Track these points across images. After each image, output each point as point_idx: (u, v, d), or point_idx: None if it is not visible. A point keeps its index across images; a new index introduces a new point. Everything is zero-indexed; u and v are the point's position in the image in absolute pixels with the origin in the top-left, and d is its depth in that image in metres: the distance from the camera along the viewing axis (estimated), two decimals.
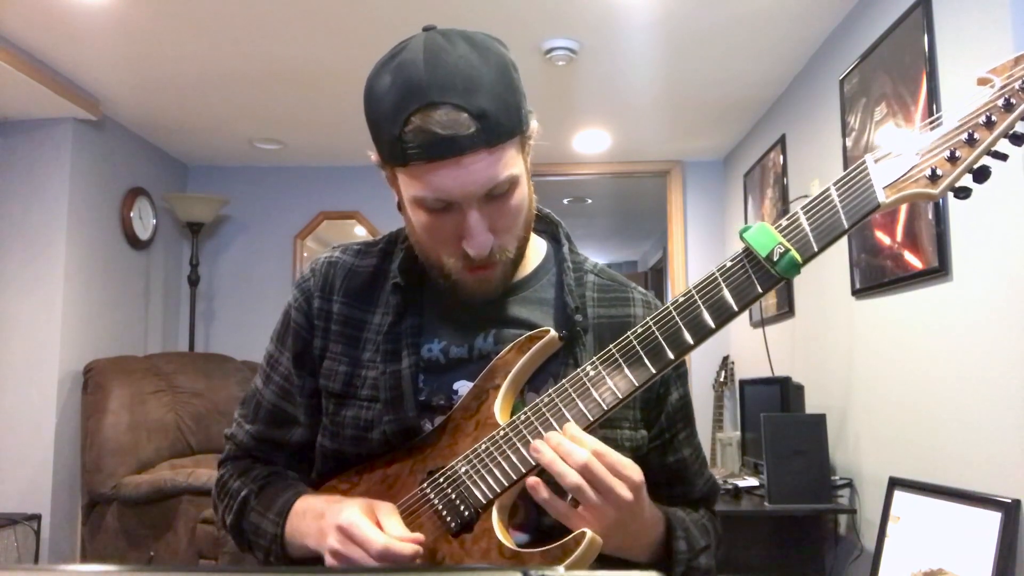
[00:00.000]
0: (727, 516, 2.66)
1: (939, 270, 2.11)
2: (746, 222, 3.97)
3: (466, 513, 0.90)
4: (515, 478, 0.88)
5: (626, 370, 0.87)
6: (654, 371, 0.87)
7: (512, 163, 0.91)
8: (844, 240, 2.65)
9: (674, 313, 0.87)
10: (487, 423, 0.93)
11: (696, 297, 0.87)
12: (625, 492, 0.84)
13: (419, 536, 0.88)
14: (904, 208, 2.31)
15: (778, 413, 2.85)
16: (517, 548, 0.87)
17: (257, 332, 1.16)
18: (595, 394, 0.88)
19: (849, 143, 2.71)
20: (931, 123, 0.83)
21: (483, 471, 0.90)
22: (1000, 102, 0.80)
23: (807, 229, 0.84)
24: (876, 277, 2.49)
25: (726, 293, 0.86)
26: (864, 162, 0.84)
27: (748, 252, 0.86)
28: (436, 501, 0.92)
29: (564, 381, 0.90)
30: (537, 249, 1.07)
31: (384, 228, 4.43)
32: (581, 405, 0.88)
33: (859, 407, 2.68)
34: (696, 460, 1.08)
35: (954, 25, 2.07)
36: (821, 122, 3.00)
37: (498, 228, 0.93)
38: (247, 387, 1.14)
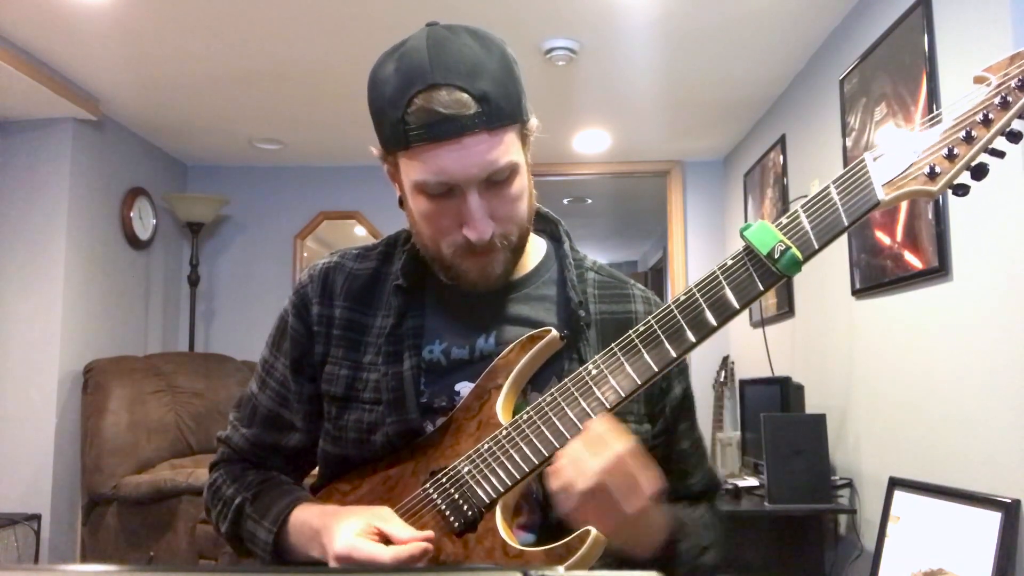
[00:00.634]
0: (727, 516, 2.66)
1: (939, 270, 2.11)
2: (746, 222, 3.97)
3: (469, 513, 0.90)
4: (518, 477, 0.88)
5: (628, 368, 0.88)
6: (656, 369, 0.87)
7: (512, 149, 0.91)
8: (844, 240, 2.68)
9: (676, 311, 0.87)
10: (489, 423, 0.93)
11: (698, 295, 0.87)
12: (636, 503, 0.82)
13: (429, 534, 0.88)
14: (904, 208, 2.32)
15: (778, 413, 2.85)
16: (521, 547, 0.87)
17: (257, 332, 1.16)
18: (598, 392, 0.88)
19: (849, 143, 2.71)
20: (929, 121, 0.84)
21: (486, 471, 0.90)
22: (997, 100, 0.81)
23: (807, 227, 0.84)
24: (876, 277, 2.50)
25: (727, 291, 0.86)
26: (863, 160, 0.84)
27: (749, 250, 0.86)
28: (439, 501, 0.92)
29: (567, 380, 0.90)
30: (537, 248, 1.07)
31: (384, 228, 4.44)
32: (584, 404, 0.88)
33: (859, 407, 2.68)
34: (695, 453, 1.08)
35: (954, 25, 2.07)
36: (821, 122, 3.00)
37: (498, 215, 0.93)
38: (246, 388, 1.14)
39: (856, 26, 2.69)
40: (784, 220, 0.86)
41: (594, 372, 0.89)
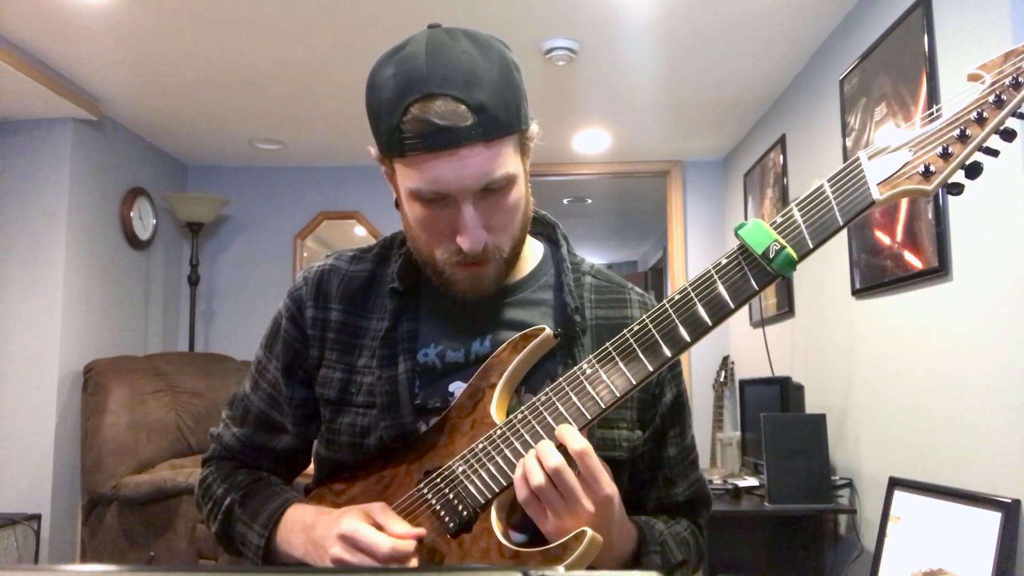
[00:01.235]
0: (727, 516, 2.66)
1: (939, 270, 2.11)
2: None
3: (464, 513, 0.90)
4: (513, 476, 0.88)
5: (623, 368, 0.87)
6: (651, 369, 0.87)
7: (509, 161, 0.90)
8: (844, 240, 2.68)
9: (670, 311, 0.87)
10: (483, 422, 0.93)
11: (692, 294, 0.87)
12: (588, 504, 0.83)
13: (421, 531, 0.88)
14: (904, 208, 2.31)
15: (778, 413, 2.84)
16: (516, 547, 0.87)
17: (257, 332, 1.16)
18: (592, 392, 0.88)
19: (849, 143, 2.70)
20: (925, 119, 0.84)
21: (481, 470, 0.90)
22: (991, 98, 0.80)
23: (802, 226, 0.84)
24: (876, 277, 2.49)
25: (722, 290, 0.86)
26: (858, 159, 0.84)
27: (744, 249, 0.86)
28: (434, 501, 0.92)
29: (561, 379, 0.89)
30: (534, 251, 1.07)
31: (384, 228, 4.45)
32: (578, 403, 0.88)
33: (859, 407, 2.67)
34: (683, 461, 1.06)
35: (954, 25, 2.06)
36: (821, 122, 3.00)
37: (493, 226, 0.92)
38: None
39: (856, 26, 2.69)
40: (779, 219, 0.85)
41: (588, 371, 0.88)
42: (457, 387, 0.98)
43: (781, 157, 3.45)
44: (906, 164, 0.82)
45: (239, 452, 1.10)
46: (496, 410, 0.93)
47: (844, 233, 1.01)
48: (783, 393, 2.95)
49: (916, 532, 2.08)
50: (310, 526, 0.94)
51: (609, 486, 0.85)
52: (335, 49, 3.03)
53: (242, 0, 2.66)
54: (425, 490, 0.93)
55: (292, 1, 2.67)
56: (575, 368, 0.89)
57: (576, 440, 0.84)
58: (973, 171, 0.82)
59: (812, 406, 2.98)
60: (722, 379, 4.18)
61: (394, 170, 0.94)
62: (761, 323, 3.61)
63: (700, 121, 3.94)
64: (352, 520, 0.88)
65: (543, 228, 1.10)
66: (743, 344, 4.11)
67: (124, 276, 3.94)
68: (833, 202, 0.83)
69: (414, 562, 0.86)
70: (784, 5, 2.70)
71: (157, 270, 4.29)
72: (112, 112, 3.73)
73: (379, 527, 0.88)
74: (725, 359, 4.28)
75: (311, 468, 1.12)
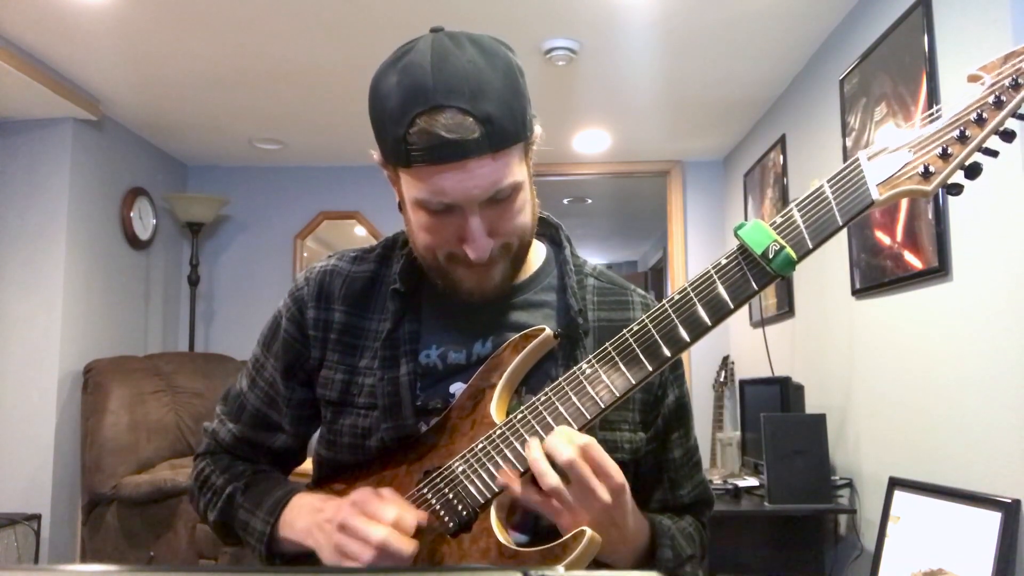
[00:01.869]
0: (727, 516, 2.66)
1: (939, 270, 2.11)
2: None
3: (464, 513, 0.90)
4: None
5: (623, 368, 0.87)
6: (651, 368, 0.87)
7: (516, 169, 0.90)
8: (844, 240, 2.68)
9: (670, 311, 0.87)
10: (483, 422, 0.93)
11: (692, 294, 0.87)
12: (604, 495, 0.83)
13: (422, 513, 0.90)
14: (904, 208, 2.31)
15: (778, 413, 2.84)
16: (516, 547, 0.87)
17: (257, 332, 1.17)
18: (592, 392, 0.88)
19: (849, 143, 2.70)
20: (924, 119, 0.84)
21: (480, 470, 0.90)
22: (991, 99, 0.80)
23: (802, 226, 0.84)
24: (876, 277, 2.49)
25: (721, 290, 0.86)
26: (857, 159, 0.84)
27: (743, 249, 0.86)
28: (433, 501, 0.92)
29: (561, 379, 0.89)
30: (537, 253, 1.06)
31: (384, 228, 4.45)
32: (578, 403, 0.88)
33: (859, 407, 2.67)
34: (686, 464, 1.06)
35: (954, 25, 2.06)
36: (821, 122, 3.00)
37: (499, 230, 0.92)
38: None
39: (856, 26, 2.69)
40: (778, 219, 0.85)
41: (588, 371, 0.88)
42: (458, 388, 0.98)
43: (781, 157, 3.45)
44: (906, 164, 0.82)
45: (234, 448, 1.09)
46: (496, 410, 0.93)
47: (844, 233, 1.01)
48: (783, 393, 2.95)
49: (916, 532, 2.08)
50: (318, 509, 0.94)
51: (620, 475, 0.85)
52: (335, 49, 3.03)
53: (242, 1, 2.66)
54: (425, 490, 0.93)
55: (292, 2, 2.67)
56: (575, 368, 0.89)
57: (575, 436, 0.84)
58: (973, 172, 0.82)
59: (812, 406, 2.98)
60: (722, 379, 4.19)
61: (398, 175, 0.93)
62: (761, 323, 3.61)
63: (700, 121, 3.94)
64: (364, 490, 0.90)
65: (546, 229, 1.10)
66: (743, 344, 4.11)
67: (124, 276, 3.94)
68: (833, 202, 0.83)
69: (408, 543, 0.86)
70: (784, 5, 2.70)
71: (157, 270, 4.29)
72: (112, 112, 3.73)
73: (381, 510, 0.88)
74: (725, 359, 4.28)
75: (307, 466, 1.12)
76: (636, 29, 2.89)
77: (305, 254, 4.63)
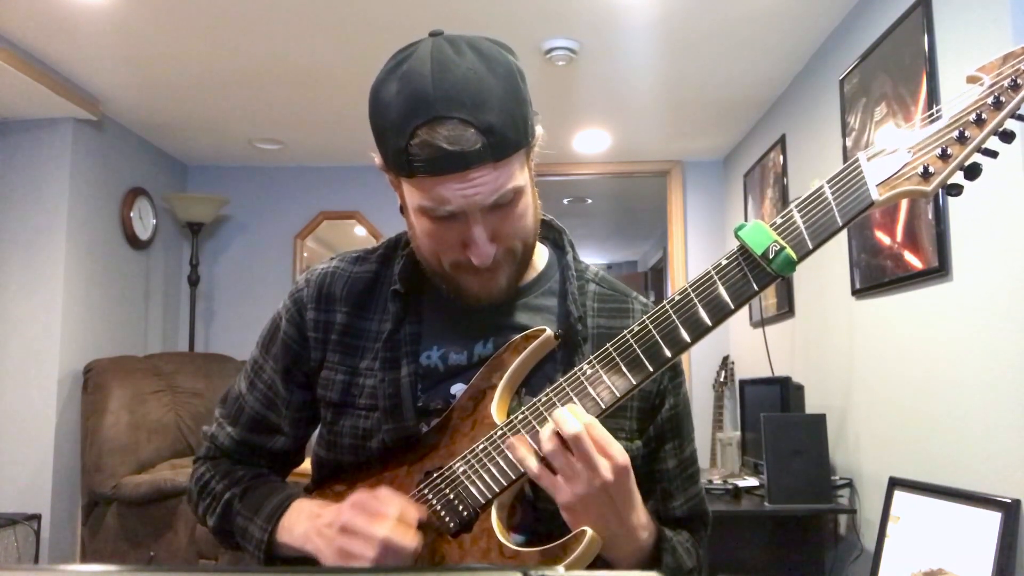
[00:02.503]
0: (727, 516, 2.66)
1: (939, 270, 2.11)
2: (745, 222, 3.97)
3: (465, 513, 0.90)
4: (514, 477, 0.88)
5: (624, 369, 0.87)
6: (651, 369, 0.87)
7: (517, 175, 0.90)
8: (844, 240, 2.68)
9: (670, 311, 0.87)
10: (484, 423, 0.93)
11: (692, 295, 0.87)
12: (607, 472, 0.83)
13: (423, 508, 0.90)
14: (904, 208, 2.31)
15: (778, 413, 2.84)
16: (517, 548, 0.87)
17: (257, 332, 1.17)
18: (593, 393, 0.88)
19: (849, 143, 2.71)
20: (924, 120, 0.84)
21: (481, 471, 0.90)
22: (990, 100, 0.81)
23: (802, 227, 0.84)
24: (876, 277, 2.49)
25: (722, 291, 0.86)
26: (857, 160, 0.84)
27: (743, 250, 0.86)
28: (434, 502, 0.92)
29: (561, 380, 0.90)
30: (539, 256, 1.06)
31: (384, 228, 4.45)
32: (578, 403, 0.88)
33: (859, 407, 2.68)
34: (680, 475, 1.04)
35: (954, 25, 2.07)
36: (821, 122, 3.00)
37: (502, 234, 0.92)
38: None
39: (856, 26, 2.69)
40: (779, 220, 0.85)
41: (589, 372, 0.89)
42: (459, 389, 0.98)
43: (781, 157, 3.45)
44: (905, 165, 0.83)
45: (233, 451, 1.09)
46: (497, 411, 0.93)
47: (844, 233, 1.01)
48: (783, 393, 2.95)
49: (916, 532, 2.09)
50: (316, 515, 0.94)
51: (623, 454, 0.85)
52: (335, 49, 3.03)
53: (242, 1, 2.66)
54: (426, 490, 0.93)
55: (292, 2, 2.67)
56: (576, 369, 0.90)
57: (579, 414, 0.84)
58: (972, 172, 0.82)
59: (812, 406, 2.98)
60: (722, 379, 4.19)
61: (400, 181, 0.93)
62: (761, 323, 3.61)
63: (700, 121, 3.94)
64: (361, 494, 0.90)
65: (549, 232, 1.10)
66: (743, 344, 4.11)
67: (124, 276, 3.94)
68: (832, 203, 0.84)
69: (412, 537, 0.86)
70: (784, 5, 2.70)
71: (157, 270, 4.29)
72: (112, 112, 3.73)
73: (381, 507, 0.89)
74: (725, 359, 4.29)
75: (306, 467, 1.12)
76: (636, 29, 2.89)
77: (305, 254, 4.63)
